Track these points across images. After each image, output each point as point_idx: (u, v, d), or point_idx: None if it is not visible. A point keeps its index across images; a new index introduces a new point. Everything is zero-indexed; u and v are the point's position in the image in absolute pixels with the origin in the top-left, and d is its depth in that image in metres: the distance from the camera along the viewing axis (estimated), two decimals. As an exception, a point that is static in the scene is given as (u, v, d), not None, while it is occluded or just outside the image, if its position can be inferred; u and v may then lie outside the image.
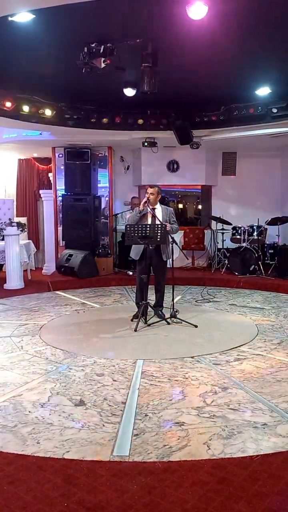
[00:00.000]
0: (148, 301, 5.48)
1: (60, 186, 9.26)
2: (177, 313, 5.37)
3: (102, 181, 9.56)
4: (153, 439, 2.66)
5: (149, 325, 5.27)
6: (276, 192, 9.66)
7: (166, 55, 5.23)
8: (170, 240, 5.26)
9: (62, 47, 5.16)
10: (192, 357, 4.18)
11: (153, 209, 5.46)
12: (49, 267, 9.50)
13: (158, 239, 5.17)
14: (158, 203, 5.56)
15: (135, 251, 5.50)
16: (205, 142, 8.56)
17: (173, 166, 9.58)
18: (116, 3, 4.22)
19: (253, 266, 8.10)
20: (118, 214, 9.36)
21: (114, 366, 3.98)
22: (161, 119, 8.05)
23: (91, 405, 3.16)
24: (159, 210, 5.51)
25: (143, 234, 5.13)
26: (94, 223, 8.84)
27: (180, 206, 13.13)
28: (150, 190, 5.44)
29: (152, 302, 5.71)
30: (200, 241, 9.34)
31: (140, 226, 5.21)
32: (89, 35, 4.75)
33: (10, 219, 8.69)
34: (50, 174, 10.11)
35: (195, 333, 5.00)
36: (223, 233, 8.63)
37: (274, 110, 7.20)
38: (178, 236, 8.98)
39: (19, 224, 8.11)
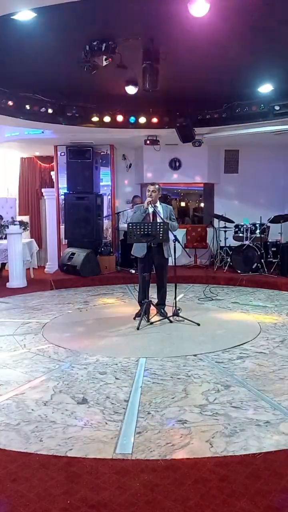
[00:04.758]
0: (150, 299, 5.48)
1: (62, 184, 9.26)
2: (179, 311, 5.37)
3: (104, 179, 9.56)
4: (155, 437, 2.67)
5: (151, 323, 5.28)
6: (278, 189, 9.63)
7: (168, 52, 5.22)
8: (172, 238, 5.26)
9: (63, 45, 5.15)
10: (195, 355, 4.18)
11: (154, 207, 5.46)
12: (52, 266, 9.52)
13: (161, 237, 5.18)
14: (158, 201, 5.58)
15: (139, 249, 5.50)
16: (207, 139, 8.54)
17: (175, 164, 9.56)
18: (118, 1, 4.21)
19: (255, 264, 8.08)
20: (120, 212, 9.36)
21: (116, 364, 3.98)
22: (163, 117, 8.03)
23: (94, 403, 3.16)
24: (159, 208, 5.52)
25: (145, 232, 5.13)
26: (97, 222, 8.84)
27: (182, 204, 13.13)
28: (152, 188, 5.45)
29: (155, 301, 5.71)
30: (203, 239, 9.33)
31: (142, 224, 5.21)
32: (90, 33, 4.73)
33: (12, 217, 8.71)
34: (52, 173, 10.12)
35: (197, 331, 5.00)
36: (225, 231, 8.61)
37: (277, 108, 7.16)
38: (181, 234, 8.97)
39: (21, 223, 8.13)
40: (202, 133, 8.32)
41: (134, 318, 5.46)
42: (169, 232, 5.23)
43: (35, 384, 3.52)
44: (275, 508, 2.02)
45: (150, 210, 5.43)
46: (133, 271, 8.28)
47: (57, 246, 9.51)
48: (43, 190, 10.00)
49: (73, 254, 8.34)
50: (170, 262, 5.56)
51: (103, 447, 2.56)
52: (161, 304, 5.68)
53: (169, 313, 5.44)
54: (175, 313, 5.35)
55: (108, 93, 7.05)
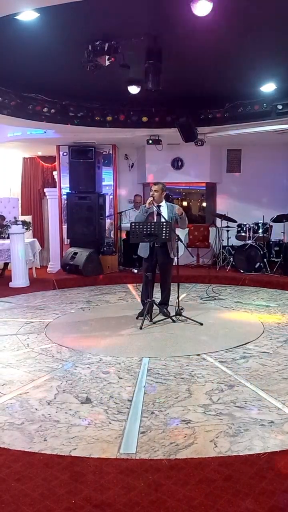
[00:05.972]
0: (153, 299, 5.48)
1: (65, 184, 9.26)
2: (182, 311, 5.37)
3: (107, 179, 9.55)
4: (159, 437, 2.66)
5: (154, 323, 5.27)
6: (281, 189, 9.60)
7: (171, 52, 5.22)
8: (176, 237, 5.26)
9: (66, 45, 5.15)
10: (198, 355, 4.18)
11: (158, 206, 5.45)
12: (54, 265, 9.53)
13: (163, 237, 5.17)
14: (164, 201, 5.56)
15: (143, 249, 5.49)
16: (210, 139, 8.53)
17: (177, 164, 9.55)
18: (120, 1, 4.20)
19: (258, 264, 8.06)
20: (122, 212, 9.35)
21: (120, 364, 3.98)
22: (166, 116, 8.02)
23: (98, 403, 3.16)
24: (164, 207, 5.51)
25: (148, 232, 5.13)
26: (99, 221, 8.84)
27: (185, 203, 13.09)
28: (154, 188, 5.44)
29: (158, 300, 5.71)
30: (205, 238, 9.32)
31: (145, 224, 5.20)
32: (93, 33, 4.73)
33: (15, 217, 8.72)
34: (54, 172, 10.12)
35: (200, 331, 5.00)
36: (228, 231, 8.61)
37: (279, 107, 7.15)
38: (183, 234, 8.97)
39: (24, 223, 8.13)
40: (205, 132, 8.32)
41: (137, 318, 5.46)
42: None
43: (39, 384, 3.53)
44: (280, 508, 2.01)
45: (154, 209, 5.43)
46: (135, 271, 8.27)
47: (60, 245, 9.52)
48: (45, 190, 10.00)
49: (75, 253, 8.35)
50: (175, 262, 5.54)
51: (107, 447, 2.56)
52: (164, 303, 5.68)
53: (172, 313, 5.44)
54: (178, 313, 5.35)
55: (111, 93, 7.05)
